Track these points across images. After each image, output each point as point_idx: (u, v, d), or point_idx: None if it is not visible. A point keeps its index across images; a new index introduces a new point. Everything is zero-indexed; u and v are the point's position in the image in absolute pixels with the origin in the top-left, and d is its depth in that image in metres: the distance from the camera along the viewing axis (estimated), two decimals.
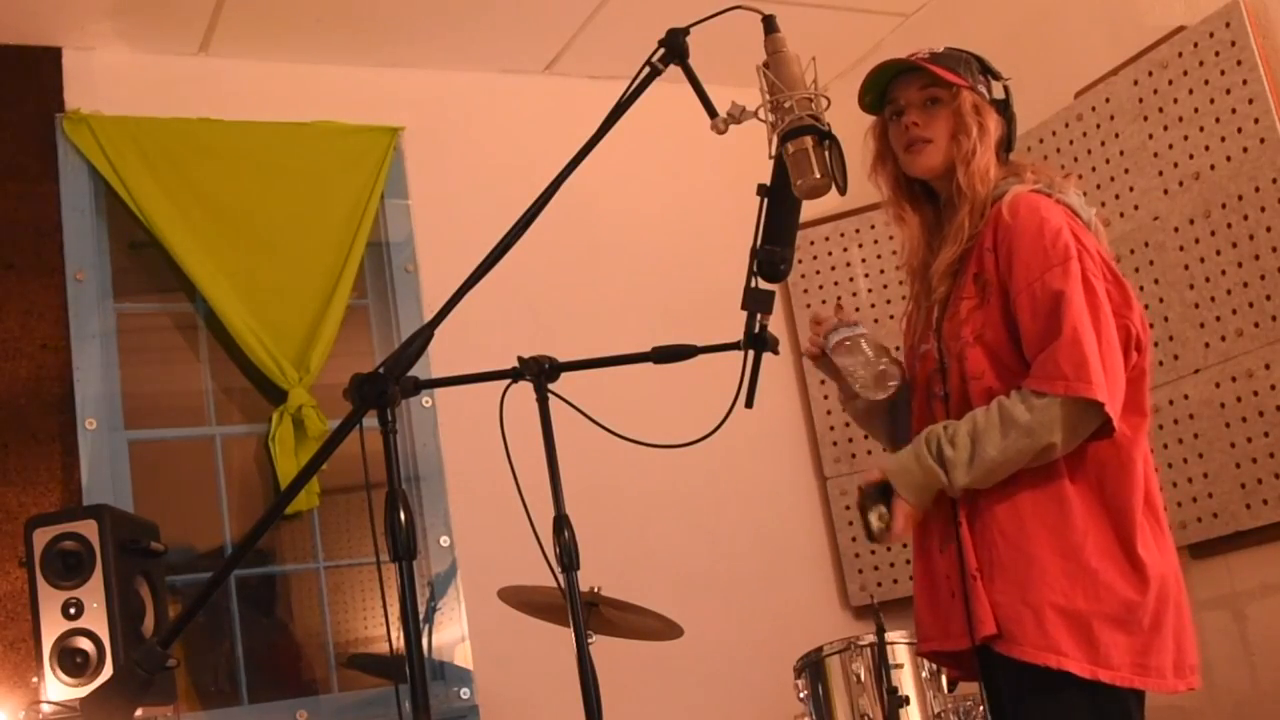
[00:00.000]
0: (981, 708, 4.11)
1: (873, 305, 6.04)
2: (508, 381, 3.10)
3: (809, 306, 6.10)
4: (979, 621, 2.99)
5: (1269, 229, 4.55)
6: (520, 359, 3.10)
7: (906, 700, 4.12)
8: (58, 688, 3.95)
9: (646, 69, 2.77)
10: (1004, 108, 3.28)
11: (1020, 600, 2.98)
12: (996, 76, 3.29)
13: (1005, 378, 3.07)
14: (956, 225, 3.19)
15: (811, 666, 4.34)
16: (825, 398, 6.01)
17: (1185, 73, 4.80)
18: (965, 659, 3.17)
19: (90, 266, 5.03)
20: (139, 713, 3.86)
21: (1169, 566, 3.07)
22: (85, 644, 3.98)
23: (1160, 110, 4.88)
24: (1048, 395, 2.95)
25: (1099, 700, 2.95)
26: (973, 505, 3.09)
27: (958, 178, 3.20)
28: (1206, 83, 4.72)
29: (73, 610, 4.01)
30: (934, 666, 4.15)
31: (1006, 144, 3.31)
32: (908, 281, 3.45)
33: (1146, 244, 4.89)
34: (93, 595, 4.02)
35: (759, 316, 2.95)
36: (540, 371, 3.07)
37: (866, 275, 6.08)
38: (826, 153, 2.70)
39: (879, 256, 6.07)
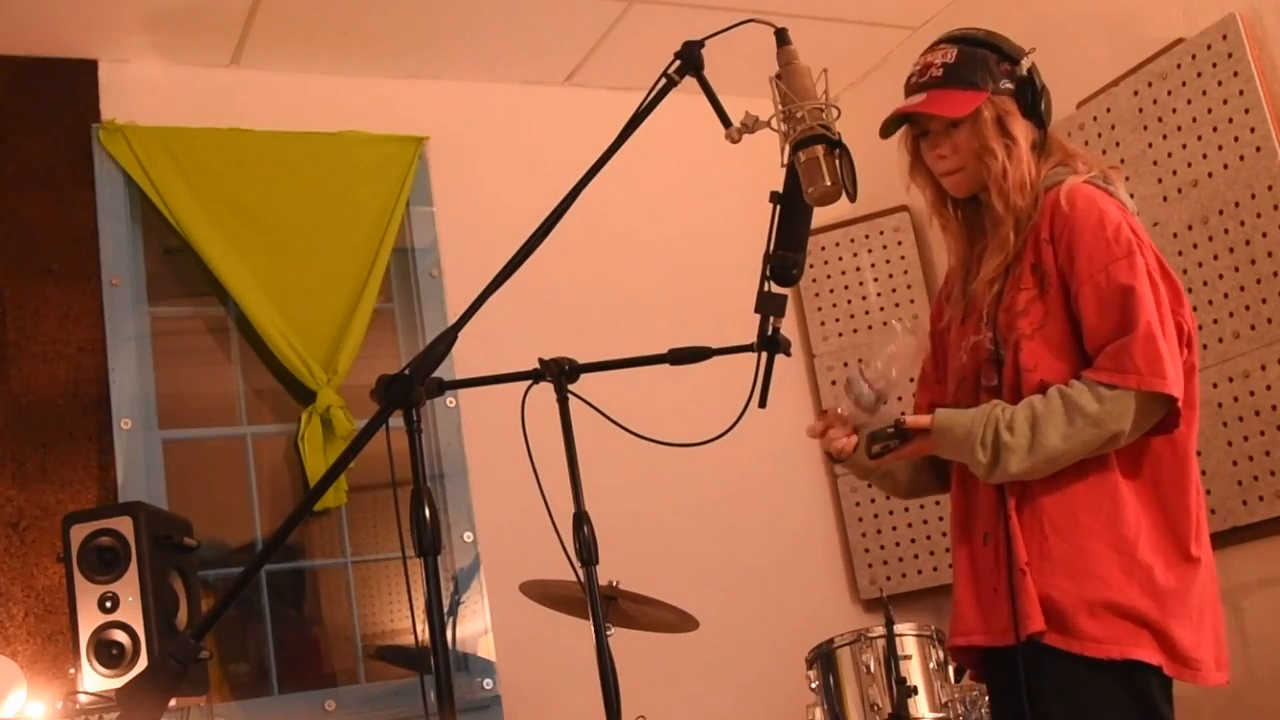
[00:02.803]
0: (986, 698, 4.16)
1: (881, 309, 6.03)
2: (529, 382, 3.17)
3: (820, 310, 6.14)
4: (1026, 617, 2.92)
5: (1264, 234, 4.55)
6: (541, 361, 3.17)
7: (915, 690, 4.09)
8: (94, 679, 3.98)
9: (663, 80, 2.80)
10: (1030, 89, 3.16)
11: (1075, 594, 2.93)
12: (1018, 58, 3.18)
13: (1060, 370, 3.00)
14: (1000, 238, 3.13)
15: (823, 657, 4.32)
16: (836, 399, 6.04)
17: (1184, 84, 4.80)
18: (994, 657, 3.13)
19: (125, 271, 5.05)
20: (173, 703, 3.92)
21: (1211, 560, 3.04)
22: (121, 636, 4.01)
23: (1159, 120, 4.89)
24: (1119, 388, 2.88)
25: (1147, 692, 2.92)
26: (1021, 498, 3.02)
27: (993, 199, 3.14)
28: (1204, 93, 4.73)
29: (109, 604, 4.03)
30: (941, 657, 4.13)
31: (1040, 124, 3.19)
32: (948, 280, 3.38)
33: None
34: (128, 589, 4.04)
35: (772, 319, 3.01)
36: (560, 373, 3.14)
37: (875, 280, 6.09)
38: (837, 161, 2.72)
39: (888, 262, 6.08)
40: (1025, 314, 3.07)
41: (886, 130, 3.27)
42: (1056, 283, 3.05)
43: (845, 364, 6.05)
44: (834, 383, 6.03)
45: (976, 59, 3.16)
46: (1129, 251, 2.97)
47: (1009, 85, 3.16)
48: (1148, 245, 3.03)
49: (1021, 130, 3.15)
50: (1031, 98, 3.18)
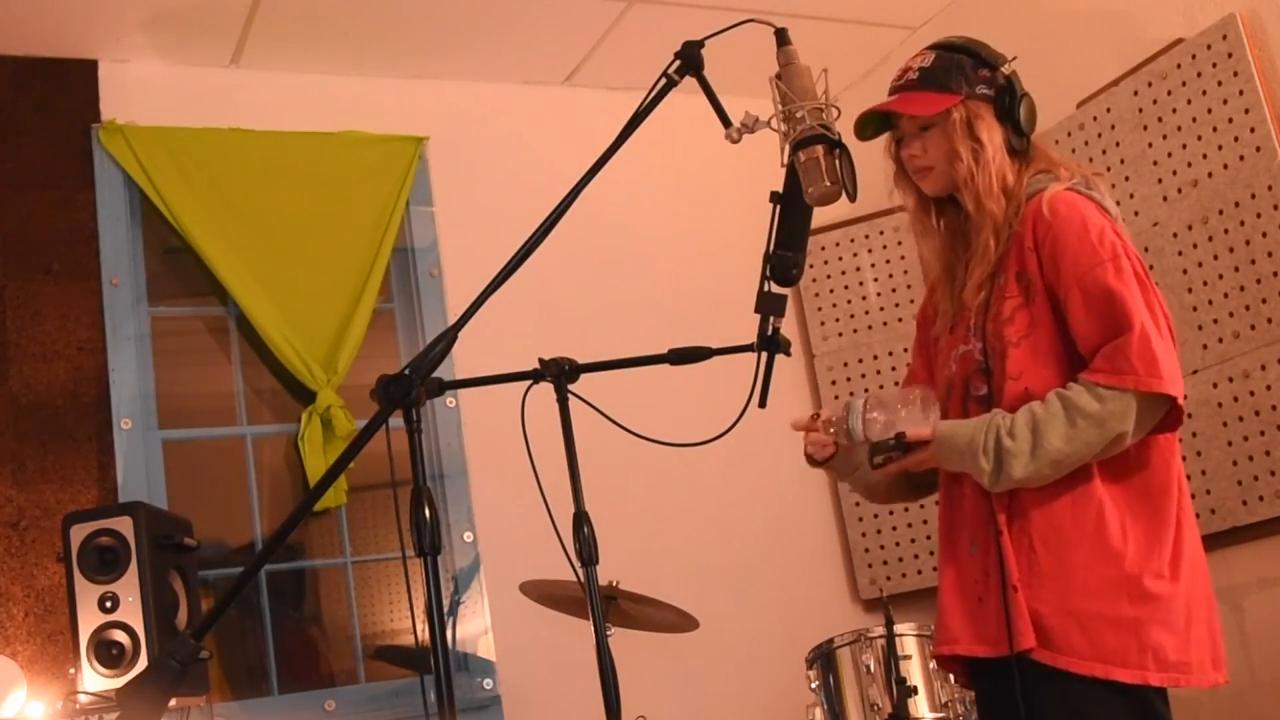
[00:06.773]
0: None
1: (881, 309, 6.05)
2: (529, 382, 3.16)
3: (820, 310, 6.14)
4: (1018, 633, 2.92)
5: (1264, 234, 4.55)
6: (541, 361, 3.16)
7: (914, 690, 4.14)
8: (94, 679, 3.98)
9: (663, 80, 2.80)
10: (1008, 95, 3.15)
11: (1063, 609, 2.92)
12: (995, 65, 3.17)
13: (1047, 378, 2.99)
14: (983, 246, 3.11)
15: (823, 658, 4.36)
16: (835, 397, 6.00)
17: (1184, 84, 4.79)
18: (981, 665, 3.10)
19: (125, 271, 5.07)
20: (173, 703, 3.90)
21: (1199, 561, 3.02)
22: (121, 636, 4.01)
23: (1159, 120, 4.88)
24: (1117, 389, 2.86)
25: (1142, 704, 2.91)
26: (1010, 511, 3.01)
27: (967, 203, 3.15)
28: (1204, 93, 4.72)
29: (109, 604, 4.03)
30: None
31: (1018, 130, 3.16)
32: (935, 287, 3.35)
33: (1146, 249, 4.86)
34: (128, 589, 4.04)
35: (771, 319, 3.01)
36: (560, 373, 3.13)
37: (876, 280, 6.10)
38: (837, 161, 2.74)
39: (888, 262, 6.09)
40: (1011, 322, 3.06)
41: (860, 131, 3.26)
42: (1042, 291, 3.04)
43: (845, 364, 6.07)
44: (834, 383, 6.04)
45: (952, 64, 3.17)
46: (1114, 255, 2.96)
47: (987, 91, 3.16)
48: (1132, 251, 3.02)
49: (992, 135, 3.14)
50: (1009, 103, 3.16)
